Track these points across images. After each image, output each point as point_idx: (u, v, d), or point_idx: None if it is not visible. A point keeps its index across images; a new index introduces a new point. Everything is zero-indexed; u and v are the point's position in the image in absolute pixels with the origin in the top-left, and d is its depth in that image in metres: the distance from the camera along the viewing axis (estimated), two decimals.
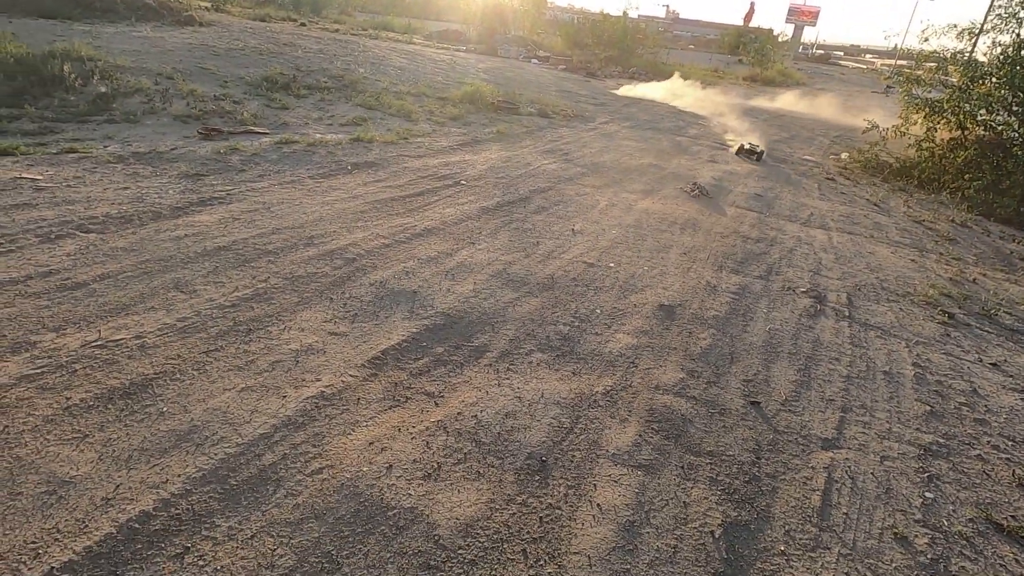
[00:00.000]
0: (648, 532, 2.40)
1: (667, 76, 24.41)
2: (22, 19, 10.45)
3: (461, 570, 2.12)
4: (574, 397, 3.18)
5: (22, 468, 2.24)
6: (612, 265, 5.03)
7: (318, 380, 2.99)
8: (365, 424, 2.76)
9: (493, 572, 2.13)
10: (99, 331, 3.09)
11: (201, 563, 1.99)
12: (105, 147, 5.95)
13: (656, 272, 5.03)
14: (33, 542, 1.97)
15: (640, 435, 2.97)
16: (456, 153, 8.11)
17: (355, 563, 2.08)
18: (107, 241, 4.04)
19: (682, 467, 2.80)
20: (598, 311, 4.19)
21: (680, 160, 9.92)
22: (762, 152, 11.00)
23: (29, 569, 1.88)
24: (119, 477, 2.26)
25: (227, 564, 2.00)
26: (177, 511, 2.16)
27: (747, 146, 11.16)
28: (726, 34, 53.69)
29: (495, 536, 2.27)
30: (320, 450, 2.55)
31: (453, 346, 3.49)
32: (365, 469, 2.49)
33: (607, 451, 2.82)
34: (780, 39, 47.64)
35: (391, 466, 2.53)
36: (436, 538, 2.23)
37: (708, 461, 2.87)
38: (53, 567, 1.90)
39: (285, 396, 2.84)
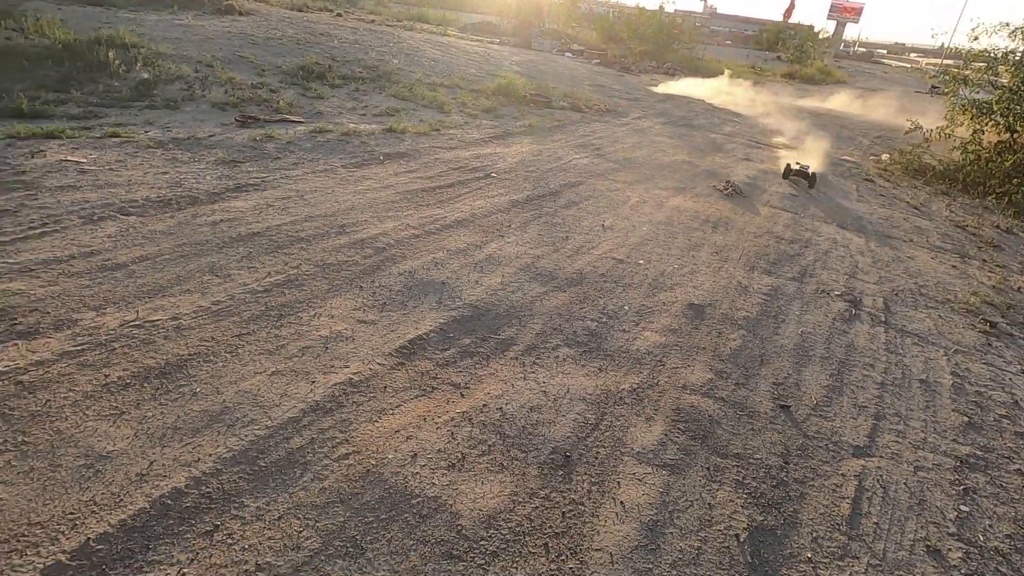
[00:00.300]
0: (672, 532, 2.38)
1: (704, 72, 24.02)
2: (71, 6, 10.75)
3: (483, 561, 2.13)
4: (600, 393, 3.16)
5: (62, 441, 2.31)
6: (642, 262, 4.98)
7: (346, 367, 3.03)
8: (391, 412, 2.78)
9: (514, 565, 2.13)
10: (137, 311, 3.17)
11: (230, 541, 2.04)
12: (146, 132, 6.09)
13: (686, 270, 4.96)
14: (71, 513, 2.04)
15: (666, 434, 2.94)
16: (487, 145, 8.10)
17: (378, 549, 2.10)
18: (146, 224, 4.14)
19: (708, 468, 2.76)
20: (626, 308, 4.15)
21: (714, 157, 9.77)
22: (814, 175, 8.79)
23: (67, 539, 1.94)
24: (153, 454, 2.32)
25: (255, 543, 2.04)
26: (208, 489, 2.21)
27: (796, 167, 8.95)
28: (765, 30, 52.59)
29: (517, 529, 2.28)
30: (347, 436, 2.59)
31: (480, 338, 3.49)
32: (390, 456, 2.51)
33: (632, 449, 2.80)
34: (821, 36, 46.48)
35: (416, 455, 2.55)
36: (459, 528, 2.24)
37: (735, 464, 2.82)
38: (89, 537, 1.96)
39: (314, 381, 2.88)
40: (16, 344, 2.78)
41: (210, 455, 2.35)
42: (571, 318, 3.88)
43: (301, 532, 2.11)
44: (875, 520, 2.63)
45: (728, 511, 2.54)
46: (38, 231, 3.80)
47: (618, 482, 2.59)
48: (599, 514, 2.41)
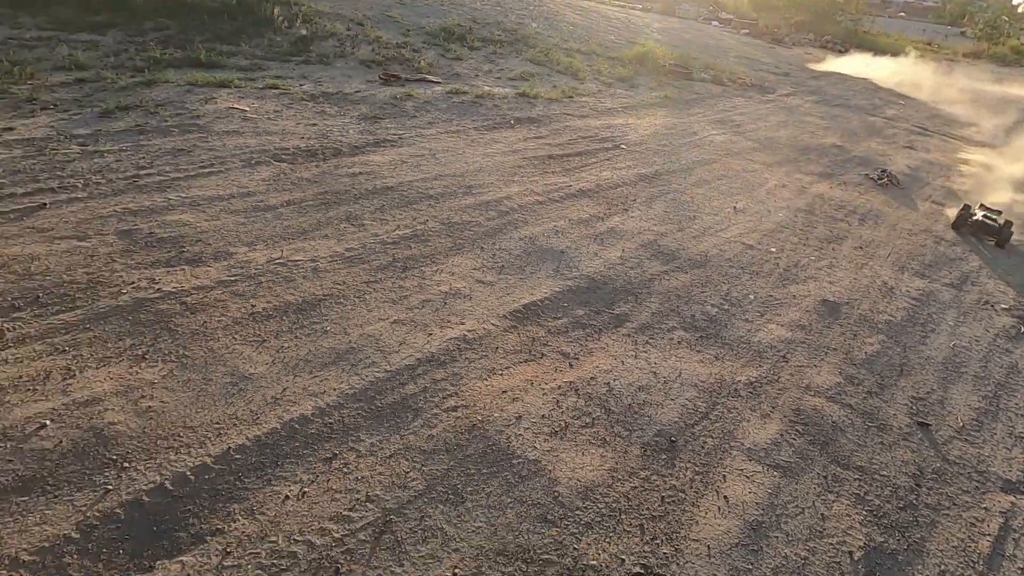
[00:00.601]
0: (777, 537, 2.26)
1: (874, 48, 21.65)
2: None
3: (576, 530, 2.15)
4: (714, 382, 3.03)
5: (214, 359, 2.60)
6: (774, 250, 4.66)
7: (462, 324, 3.13)
8: (500, 373, 2.85)
9: (607, 539, 2.13)
10: (282, 251, 3.47)
11: (345, 470, 2.20)
12: (300, 86, 6.54)
13: (824, 264, 4.58)
14: (217, 423, 2.30)
15: (782, 434, 2.77)
16: (619, 116, 7.88)
17: (477, 500, 2.18)
18: (295, 171, 4.48)
19: (825, 477, 2.58)
20: (751, 297, 3.92)
21: (870, 143, 8.85)
22: (1008, 228, 5.65)
23: (212, 445, 2.20)
24: (287, 381, 2.55)
25: (366, 476, 2.20)
26: (330, 420, 2.40)
27: (979, 216, 5.83)
28: (949, 1, 46.23)
29: (614, 505, 2.26)
30: (457, 389, 2.68)
31: (594, 311, 3.46)
32: (496, 415, 2.58)
33: (742, 444, 2.67)
34: (1020, 10, 40.08)
35: (520, 417, 2.60)
36: (556, 495, 2.27)
37: (857, 476, 2.61)
38: (230, 447, 2.20)
39: (431, 334, 3.01)
40: (183, 269, 3.14)
41: (335, 389, 2.55)
42: (690, 301, 3.73)
43: (408, 473, 2.24)
44: (1021, 565, 2.33)
45: (843, 525, 2.36)
46: (206, 171, 4.23)
47: (724, 475, 2.49)
48: (700, 505, 2.34)
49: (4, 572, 1.69)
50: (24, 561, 1.73)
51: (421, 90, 7.18)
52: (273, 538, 1.91)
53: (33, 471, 1.98)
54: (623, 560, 2.06)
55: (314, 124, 5.49)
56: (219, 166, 4.33)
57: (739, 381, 3.08)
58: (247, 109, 5.50)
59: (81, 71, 5.71)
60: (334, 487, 2.13)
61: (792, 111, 10.18)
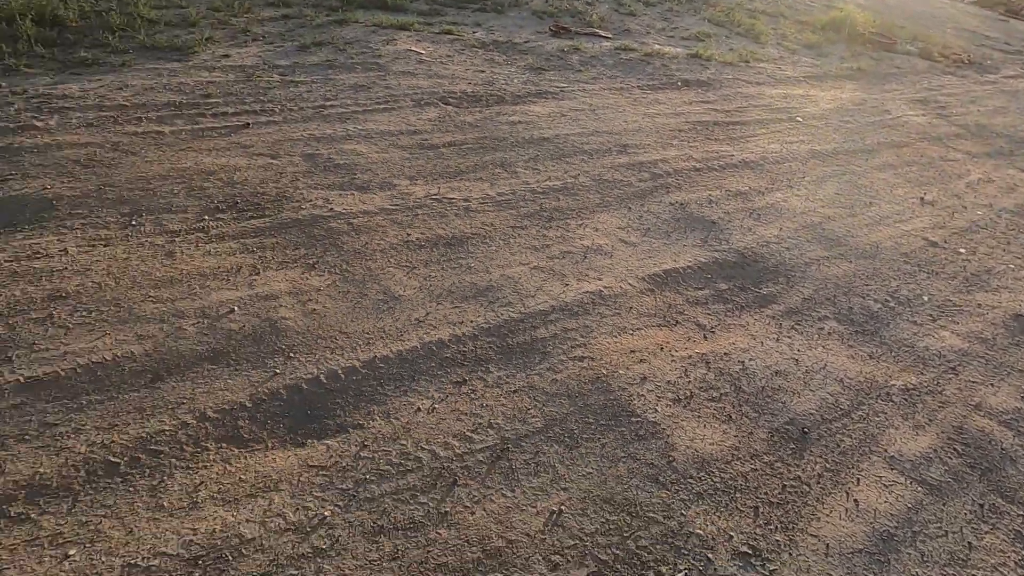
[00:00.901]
0: (909, 554, 2.08)
1: None
2: None
3: (687, 497, 2.13)
4: (863, 381, 2.79)
5: (370, 277, 2.86)
6: (963, 251, 4.11)
7: (599, 279, 3.14)
8: (631, 332, 2.84)
9: (718, 512, 2.09)
10: (439, 188, 3.67)
11: (472, 396, 2.35)
12: (473, 33, 6.73)
13: None
14: (367, 333, 2.54)
15: (935, 450, 2.50)
16: (800, 85, 7.23)
17: (591, 448, 2.23)
18: (459, 115, 4.67)
19: (981, 505, 2.31)
20: (925, 298, 3.51)
21: None
22: None
23: (361, 351, 2.44)
24: (430, 307, 2.74)
25: (491, 405, 2.33)
26: (464, 348, 2.56)
27: None
28: None
29: (730, 483, 2.21)
30: (586, 341, 2.72)
31: (738, 287, 3.30)
32: (621, 373, 2.59)
33: (885, 451, 2.45)
34: None
35: (645, 378, 2.59)
36: (671, 459, 2.25)
37: (1021, 513, 2.30)
38: (375, 356, 2.43)
39: (567, 284, 3.05)
40: (353, 194, 3.45)
41: (471, 321, 2.70)
42: (850, 292, 3.43)
43: (529, 410, 2.34)
44: None
45: (994, 560, 2.11)
46: (381, 107, 4.55)
47: (858, 478, 2.31)
48: (825, 502, 2.20)
49: (195, 422, 2.03)
50: (210, 417, 2.06)
51: (589, 44, 7.06)
52: (403, 441, 2.11)
53: (222, 346, 2.34)
54: (731, 536, 2.02)
55: (482, 71, 5.64)
56: (392, 104, 4.63)
57: (893, 385, 2.81)
58: (422, 52, 5.78)
59: (287, 7, 6.32)
60: (460, 408, 2.28)
61: (1016, 96, 8.68)
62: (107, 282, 2.55)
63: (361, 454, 2.03)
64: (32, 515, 1.69)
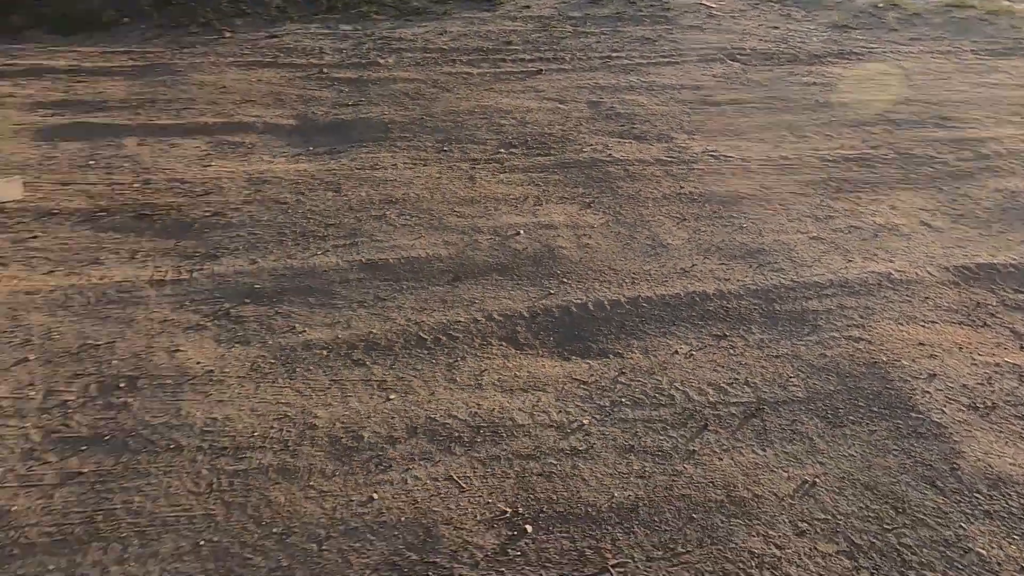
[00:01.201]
0: None
1: None
2: None
3: (969, 512, 1.88)
4: None
5: (640, 223, 2.95)
6: None
7: (891, 261, 2.81)
8: (923, 323, 2.52)
9: (1009, 540, 1.81)
10: (717, 145, 3.58)
11: (731, 352, 2.33)
12: None
13: None
14: (633, 273, 2.66)
15: None
16: None
17: (857, 431, 2.07)
18: (746, 72, 4.44)
19: None
20: None
21: None
22: None
23: (627, 288, 2.57)
24: (696, 259, 2.75)
25: (749, 364, 2.29)
26: (727, 305, 2.53)
27: None
28: None
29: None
30: (865, 322, 2.49)
31: None
32: (905, 363, 2.33)
33: None
34: None
35: (935, 376, 2.29)
36: (954, 466, 1.99)
37: None
38: (639, 295, 2.54)
39: (851, 261, 2.80)
40: (631, 142, 3.55)
41: (738, 280, 2.64)
42: None
43: (791, 378, 2.25)
44: None
45: None
46: (665, 60, 4.53)
47: None
48: None
49: (483, 320, 2.37)
50: (495, 318, 2.38)
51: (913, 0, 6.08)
52: (659, 377, 2.20)
53: (508, 261, 2.65)
54: (1023, 569, 1.75)
55: (776, 27, 5.25)
56: (677, 58, 4.58)
57: None
58: (713, 6, 5.55)
59: None
60: (718, 360, 2.29)
61: None
62: (423, 195, 3.04)
63: (619, 379, 2.18)
64: (367, 362, 2.16)
